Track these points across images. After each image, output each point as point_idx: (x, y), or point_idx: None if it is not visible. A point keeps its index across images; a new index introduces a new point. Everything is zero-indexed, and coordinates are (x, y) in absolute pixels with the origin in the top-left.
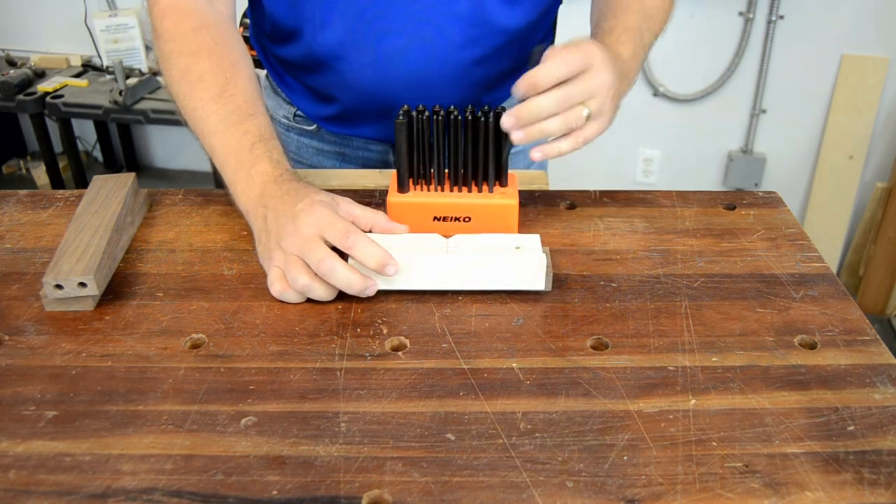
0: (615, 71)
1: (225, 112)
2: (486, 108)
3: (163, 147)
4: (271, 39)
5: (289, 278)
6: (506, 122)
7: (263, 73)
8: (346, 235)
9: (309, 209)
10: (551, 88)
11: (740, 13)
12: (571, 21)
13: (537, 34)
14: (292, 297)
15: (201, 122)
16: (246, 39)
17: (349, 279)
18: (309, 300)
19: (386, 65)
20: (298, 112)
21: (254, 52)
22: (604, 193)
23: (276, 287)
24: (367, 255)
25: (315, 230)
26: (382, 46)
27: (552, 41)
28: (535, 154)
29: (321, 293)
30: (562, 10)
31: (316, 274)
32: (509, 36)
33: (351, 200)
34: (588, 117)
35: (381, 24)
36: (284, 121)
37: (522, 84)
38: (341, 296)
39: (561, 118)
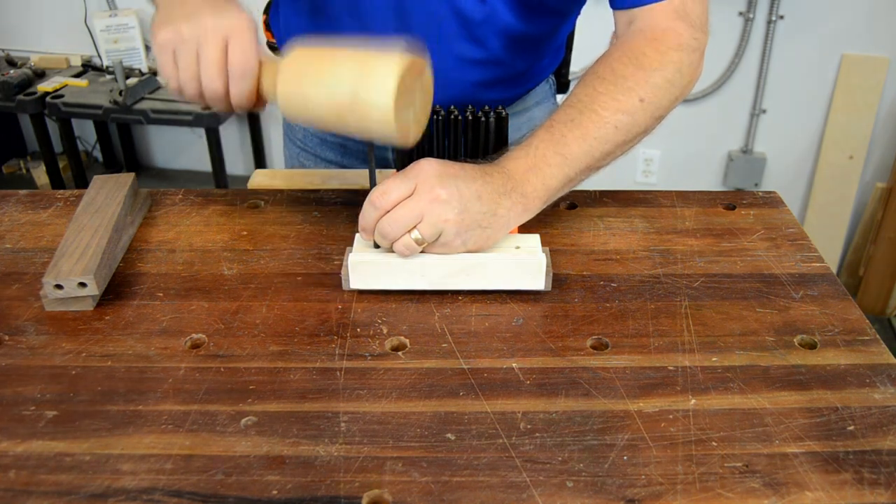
0: (458, 191)
1: None
2: (486, 108)
3: (163, 147)
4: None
5: (171, 49)
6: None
7: None
8: (245, 68)
9: (233, 9)
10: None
11: (740, 13)
12: (592, 29)
13: (545, 45)
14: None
15: None
16: (266, 25)
17: (209, 93)
18: (309, 301)
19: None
20: None
21: (272, 39)
22: (604, 193)
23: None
24: (236, 96)
25: (227, 32)
26: (382, 30)
27: (563, 58)
28: None
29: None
30: (579, 20)
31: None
32: (510, 43)
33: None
34: (421, 241)
35: (369, 9)
36: None
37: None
38: (341, 296)
39: (396, 246)
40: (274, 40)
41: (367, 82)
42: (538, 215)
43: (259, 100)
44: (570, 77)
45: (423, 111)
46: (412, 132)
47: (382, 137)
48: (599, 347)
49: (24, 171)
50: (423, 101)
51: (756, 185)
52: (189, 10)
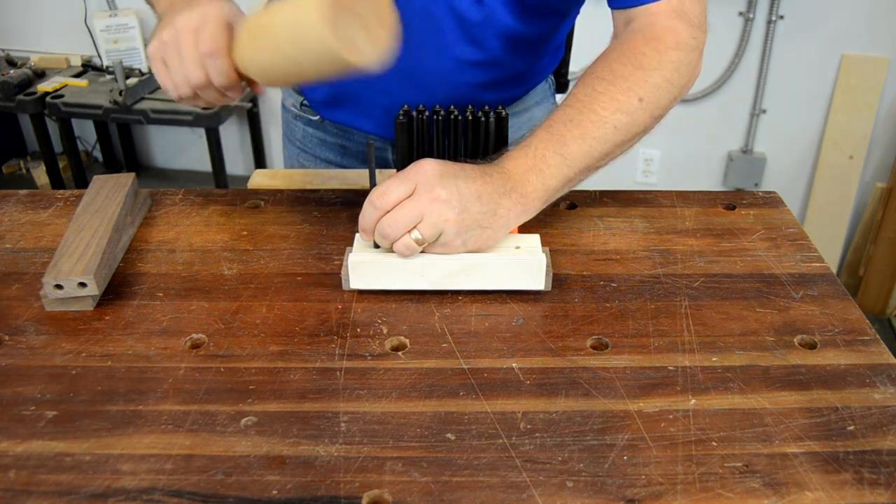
0: (458, 191)
1: None
2: (486, 108)
3: (163, 147)
4: None
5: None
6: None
7: None
8: (212, 53)
9: (200, 8)
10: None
11: (740, 13)
12: (592, 29)
13: (544, 46)
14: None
15: None
16: None
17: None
18: (309, 301)
19: None
20: (305, 101)
21: None
22: (604, 193)
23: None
24: (218, 76)
25: (194, 24)
26: None
27: (562, 58)
28: None
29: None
30: (579, 20)
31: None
32: (509, 44)
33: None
34: (421, 241)
35: None
36: (293, 109)
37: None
38: (341, 296)
39: (396, 246)
40: None
41: (297, 17)
42: (538, 215)
43: (242, 77)
44: (570, 77)
45: (379, 29)
46: (368, 54)
47: (335, 66)
48: (599, 347)
49: (24, 171)
50: (379, 22)
51: (756, 185)
52: (171, 17)
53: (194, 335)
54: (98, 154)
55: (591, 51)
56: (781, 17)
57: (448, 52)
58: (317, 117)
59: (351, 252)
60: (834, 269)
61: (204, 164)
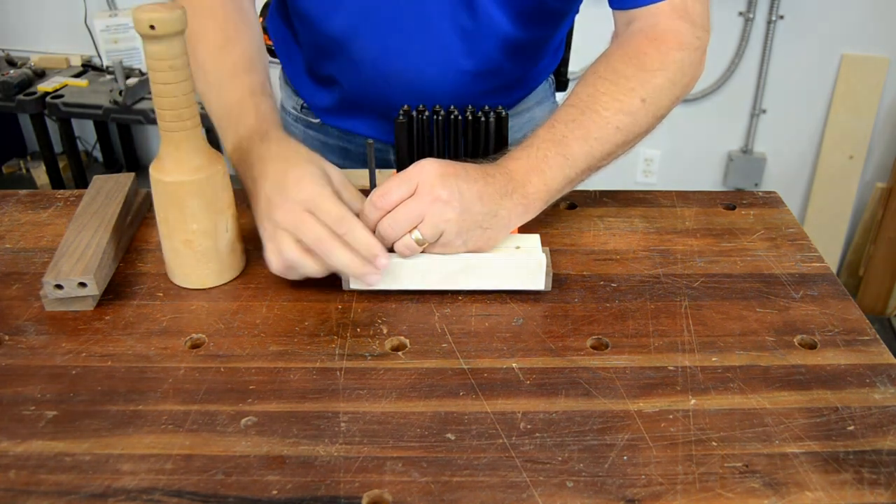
0: (459, 192)
1: (220, 68)
2: (486, 108)
3: None
4: (288, 21)
5: (277, 251)
6: None
7: (278, 66)
8: (341, 222)
9: (299, 185)
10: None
11: (740, 13)
12: (592, 29)
13: (544, 48)
14: (291, 274)
15: (198, 79)
16: (264, 29)
17: (347, 261)
18: (309, 301)
19: (386, 60)
20: (305, 104)
21: (269, 42)
22: (604, 193)
23: (274, 265)
24: (360, 244)
25: (307, 206)
26: (384, 43)
27: (562, 57)
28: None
29: (313, 269)
30: (579, 19)
31: (306, 249)
32: (509, 51)
33: (341, 174)
34: (421, 241)
35: (383, 17)
36: (293, 111)
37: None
38: (341, 296)
39: (397, 246)
40: (271, 43)
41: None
42: (538, 215)
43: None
44: (570, 76)
45: None
46: None
47: None
48: (599, 347)
49: (24, 171)
50: None
51: (756, 185)
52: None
53: (194, 335)
54: (98, 154)
55: (592, 50)
56: (781, 17)
57: (449, 62)
58: (317, 120)
59: None
60: (834, 269)
61: None
